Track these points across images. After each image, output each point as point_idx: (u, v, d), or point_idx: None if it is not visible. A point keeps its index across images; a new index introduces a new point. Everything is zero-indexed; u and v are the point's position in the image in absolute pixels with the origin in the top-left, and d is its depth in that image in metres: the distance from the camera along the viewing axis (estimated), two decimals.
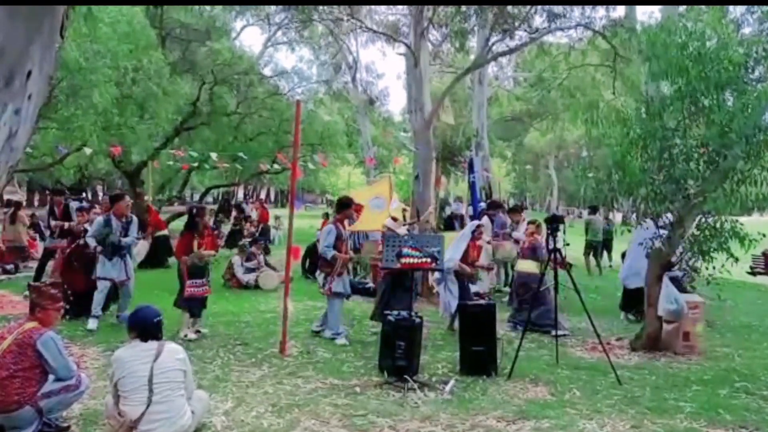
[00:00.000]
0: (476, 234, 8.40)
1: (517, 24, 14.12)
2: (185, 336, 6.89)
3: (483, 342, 5.89)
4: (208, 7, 25.72)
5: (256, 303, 9.55)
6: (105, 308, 7.76)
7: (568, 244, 6.02)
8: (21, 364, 3.84)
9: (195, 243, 7.16)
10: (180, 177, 26.27)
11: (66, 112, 11.67)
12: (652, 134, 6.41)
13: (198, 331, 7.12)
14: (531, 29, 14.40)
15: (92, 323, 7.29)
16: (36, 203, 39.51)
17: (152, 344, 3.90)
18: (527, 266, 8.28)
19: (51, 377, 3.99)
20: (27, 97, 3.63)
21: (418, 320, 5.82)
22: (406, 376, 5.44)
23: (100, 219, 7.75)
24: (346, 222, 7.70)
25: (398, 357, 5.63)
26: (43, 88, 3.79)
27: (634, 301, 8.74)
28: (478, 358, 5.91)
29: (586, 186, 7.09)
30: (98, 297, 7.46)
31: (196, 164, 19.21)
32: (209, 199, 41.72)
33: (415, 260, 5.64)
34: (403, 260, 5.63)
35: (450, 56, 28.13)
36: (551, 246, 6.10)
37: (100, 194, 44.54)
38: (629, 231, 8.52)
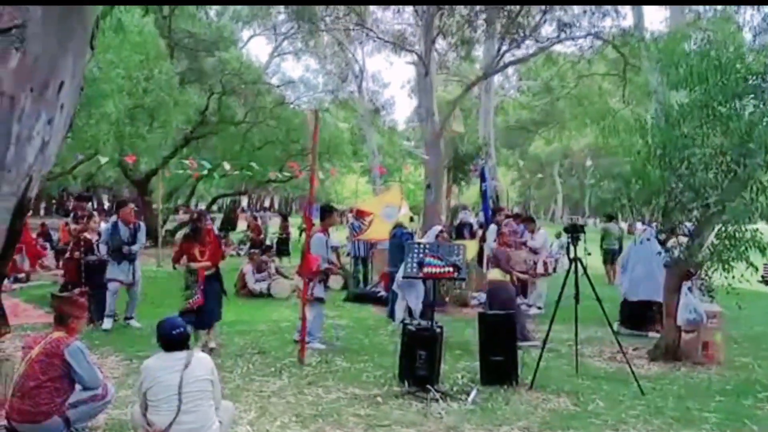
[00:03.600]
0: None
1: (527, 33, 14.15)
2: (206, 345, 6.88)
3: (503, 351, 5.87)
4: (215, 18, 25.91)
5: (269, 312, 9.54)
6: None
7: (589, 254, 5.99)
8: (49, 374, 3.84)
9: (196, 251, 6.98)
10: (187, 186, 26.39)
11: (79, 121, 11.70)
12: (672, 143, 6.39)
13: (206, 342, 7.02)
14: (541, 38, 14.44)
15: (107, 323, 7.60)
16: (42, 212, 39.63)
17: (181, 354, 3.89)
18: (493, 274, 7.97)
19: (78, 387, 3.98)
20: (60, 107, 3.64)
21: (438, 329, 5.79)
22: (428, 386, 5.42)
23: (107, 226, 7.84)
24: (329, 230, 7.72)
25: (419, 366, 5.60)
26: (74, 98, 3.82)
27: (634, 313, 8.59)
28: (499, 367, 5.87)
29: (601, 194, 7.06)
30: (110, 298, 7.74)
31: (205, 172, 19.25)
32: (214, 207, 41.83)
33: (438, 269, 5.62)
34: (425, 269, 5.61)
35: (455, 65, 28.23)
36: (571, 255, 6.07)
37: (105, 203, 44.73)
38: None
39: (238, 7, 27.60)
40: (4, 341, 6.44)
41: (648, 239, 8.10)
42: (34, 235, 14.66)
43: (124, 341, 6.88)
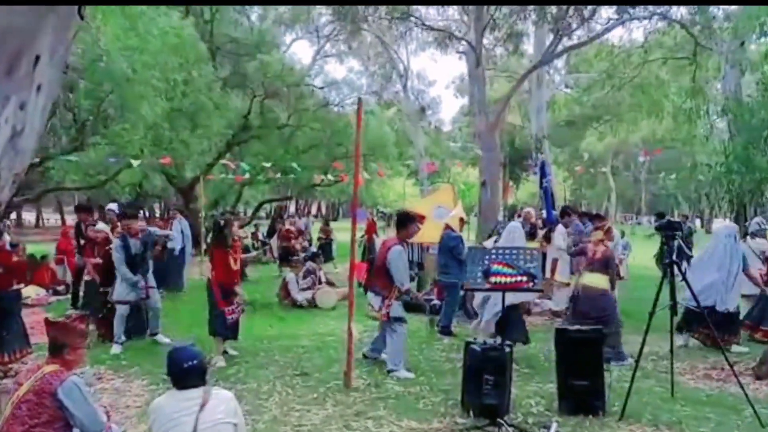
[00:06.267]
0: None
1: (585, 16, 13.04)
2: (215, 363, 6.25)
3: (587, 375, 4.91)
4: (257, 22, 25.60)
5: (314, 324, 8.78)
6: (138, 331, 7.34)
7: (691, 257, 4.99)
8: (39, 418, 3.12)
9: (230, 259, 6.52)
10: (233, 192, 26.08)
11: (116, 125, 11.30)
12: None
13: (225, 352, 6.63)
14: (602, 21, 13.32)
15: (116, 348, 6.89)
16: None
17: (195, 392, 3.12)
18: (595, 280, 6.78)
19: (76, 431, 3.26)
20: (35, 88, 2.90)
21: (508, 349, 4.88)
22: (498, 420, 4.52)
23: (117, 243, 7.19)
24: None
25: (486, 393, 4.71)
26: (56, 78, 3.07)
27: (698, 320, 7.34)
28: (582, 394, 4.93)
29: (696, 187, 6.02)
30: (117, 322, 7.02)
31: (247, 176, 18.79)
32: (262, 214, 41.70)
33: (508, 279, 4.68)
34: (492, 279, 4.69)
35: (503, 61, 27.17)
36: (666, 258, 5.08)
37: (157, 212, 45.22)
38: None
39: (281, 11, 27.31)
40: (26, 362, 5.90)
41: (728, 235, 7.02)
42: None
43: (153, 361, 6.16)
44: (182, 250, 11.59)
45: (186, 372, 3.14)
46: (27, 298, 10.34)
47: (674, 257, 5.04)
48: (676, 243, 5.00)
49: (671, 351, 5.49)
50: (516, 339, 6.25)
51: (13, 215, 43.00)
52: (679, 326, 7.33)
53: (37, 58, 2.82)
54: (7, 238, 9.13)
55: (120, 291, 7.11)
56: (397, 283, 6.11)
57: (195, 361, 3.18)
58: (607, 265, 6.67)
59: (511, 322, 6.17)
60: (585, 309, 6.62)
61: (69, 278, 12.14)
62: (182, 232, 11.53)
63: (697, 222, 43.89)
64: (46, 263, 11.82)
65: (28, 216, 47.12)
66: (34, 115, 2.90)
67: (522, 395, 5.43)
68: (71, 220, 33.61)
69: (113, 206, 9.30)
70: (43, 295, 10.79)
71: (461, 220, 9.90)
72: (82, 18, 3.44)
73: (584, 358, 4.91)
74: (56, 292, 11.27)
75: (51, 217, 47.19)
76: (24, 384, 3.19)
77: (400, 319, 6.20)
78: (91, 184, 16.88)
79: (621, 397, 5.03)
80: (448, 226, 9.03)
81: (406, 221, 6.43)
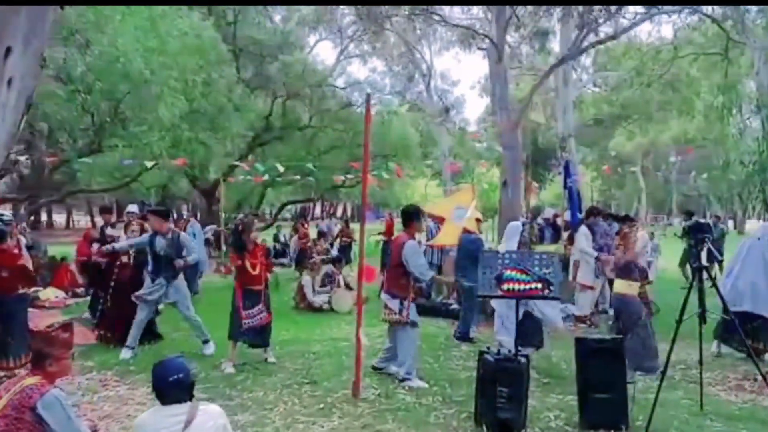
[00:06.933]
0: None
1: (613, 10, 12.61)
2: (224, 369, 6.17)
3: (609, 387, 4.60)
4: (281, 23, 25.56)
5: (328, 329, 8.58)
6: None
7: (721, 261, 4.64)
8: None
9: (248, 263, 6.37)
10: (256, 194, 26.09)
11: (133, 127, 11.26)
12: None
13: (265, 359, 6.54)
14: (629, 15, 12.86)
15: (126, 353, 6.73)
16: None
17: (180, 408, 2.93)
18: (617, 285, 6.54)
19: None
20: (6, 82, 2.74)
21: (524, 360, 4.59)
22: None
23: (144, 237, 7.08)
24: (417, 236, 6.47)
25: (500, 407, 4.44)
26: (31, 70, 2.90)
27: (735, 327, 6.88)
28: (603, 407, 4.61)
29: (728, 187, 5.65)
30: (135, 326, 6.84)
31: (266, 178, 18.71)
32: (287, 215, 41.76)
33: (522, 285, 4.39)
34: (504, 286, 4.40)
35: (529, 59, 26.70)
36: (695, 263, 4.74)
37: (185, 213, 45.63)
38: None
39: (304, 12, 27.25)
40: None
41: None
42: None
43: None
44: None
45: (171, 386, 2.95)
46: (45, 300, 10.38)
47: (704, 261, 4.70)
48: (705, 246, 4.65)
49: (700, 361, 5.13)
50: (531, 344, 5.99)
51: (44, 217, 43.91)
52: (715, 332, 6.97)
53: (8, 49, 2.64)
54: (22, 240, 9.11)
55: (145, 288, 7.00)
56: (419, 275, 5.78)
57: (181, 375, 2.98)
58: (627, 270, 6.36)
59: (525, 326, 5.89)
60: (615, 316, 6.42)
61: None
62: (194, 235, 11.44)
63: (730, 223, 42.67)
64: (65, 265, 11.84)
65: (59, 218, 48.04)
66: (6, 109, 2.72)
67: (540, 408, 5.14)
68: (100, 222, 34.07)
69: (133, 208, 9.21)
70: (61, 298, 10.79)
71: (477, 219, 9.60)
72: (61, 7, 3.24)
73: (606, 368, 4.60)
74: (75, 294, 11.27)
75: (81, 219, 47.98)
76: (3, 397, 3.02)
77: (415, 324, 5.96)
78: (113, 186, 16.97)
79: (645, 410, 4.71)
80: (465, 229, 8.76)
81: (412, 216, 6.08)
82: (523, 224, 8.20)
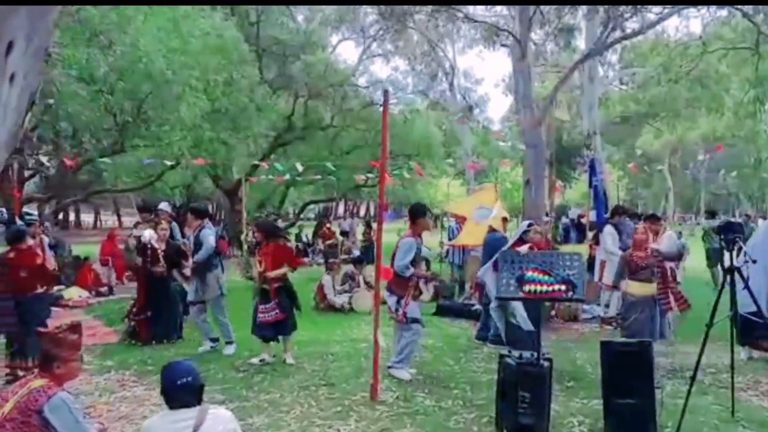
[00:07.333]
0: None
1: (639, 5, 12.30)
2: (261, 360, 6.37)
3: (636, 392, 4.42)
4: (303, 23, 25.58)
5: (348, 329, 8.49)
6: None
7: (755, 261, 4.44)
8: None
9: (254, 260, 6.60)
10: (278, 193, 26.15)
11: (155, 126, 11.32)
12: None
13: (284, 360, 6.52)
14: (657, 10, 12.52)
15: (228, 349, 6.96)
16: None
17: (188, 412, 2.85)
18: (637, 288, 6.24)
19: None
20: (8, 78, 2.68)
21: (547, 363, 4.44)
22: None
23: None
24: (423, 234, 6.36)
25: (522, 412, 4.30)
26: (33, 66, 2.85)
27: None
28: (630, 413, 4.43)
29: (760, 184, 5.41)
30: (200, 326, 7.18)
31: (287, 177, 18.70)
32: (310, 215, 41.84)
33: (544, 287, 4.24)
34: (526, 287, 4.25)
35: (554, 56, 26.34)
36: (726, 264, 4.53)
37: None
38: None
39: (327, 12, 27.25)
40: None
41: None
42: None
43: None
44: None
45: (179, 389, 2.88)
46: (69, 299, 10.47)
47: (735, 263, 4.49)
48: (737, 246, 4.44)
49: (732, 366, 4.92)
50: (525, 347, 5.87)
51: (72, 216, 44.67)
52: (738, 338, 6.71)
53: (10, 45, 2.58)
54: (45, 239, 9.22)
55: (190, 290, 7.24)
56: (397, 269, 5.80)
57: (189, 378, 2.91)
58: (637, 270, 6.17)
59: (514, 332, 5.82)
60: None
61: (114, 280, 12.27)
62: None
63: (761, 222, 41.60)
64: (88, 264, 11.95)
65: (87, 218, 48.84)
66: (8, 106, 2.67)
67: (564, 413, 4.98)
68: (129, 222, 34.47)
69: (165, 206, 9.26)
70: (85, 297, 10.89)
71: (504, 219, 9.44)
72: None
73: (632, 373, 4.42)
74: (99, 294, 11.38)
75: (109, 219, 48.73)
76: (10, 400, 2.98)
77: (416, 321, 5.93)
78: (138, 186, 17.11)
79: (674, 416, 4.54)
80: (491, 228, 8.62)
81: (418, 214, 6.02)
82: (546, 223, 8.03)
